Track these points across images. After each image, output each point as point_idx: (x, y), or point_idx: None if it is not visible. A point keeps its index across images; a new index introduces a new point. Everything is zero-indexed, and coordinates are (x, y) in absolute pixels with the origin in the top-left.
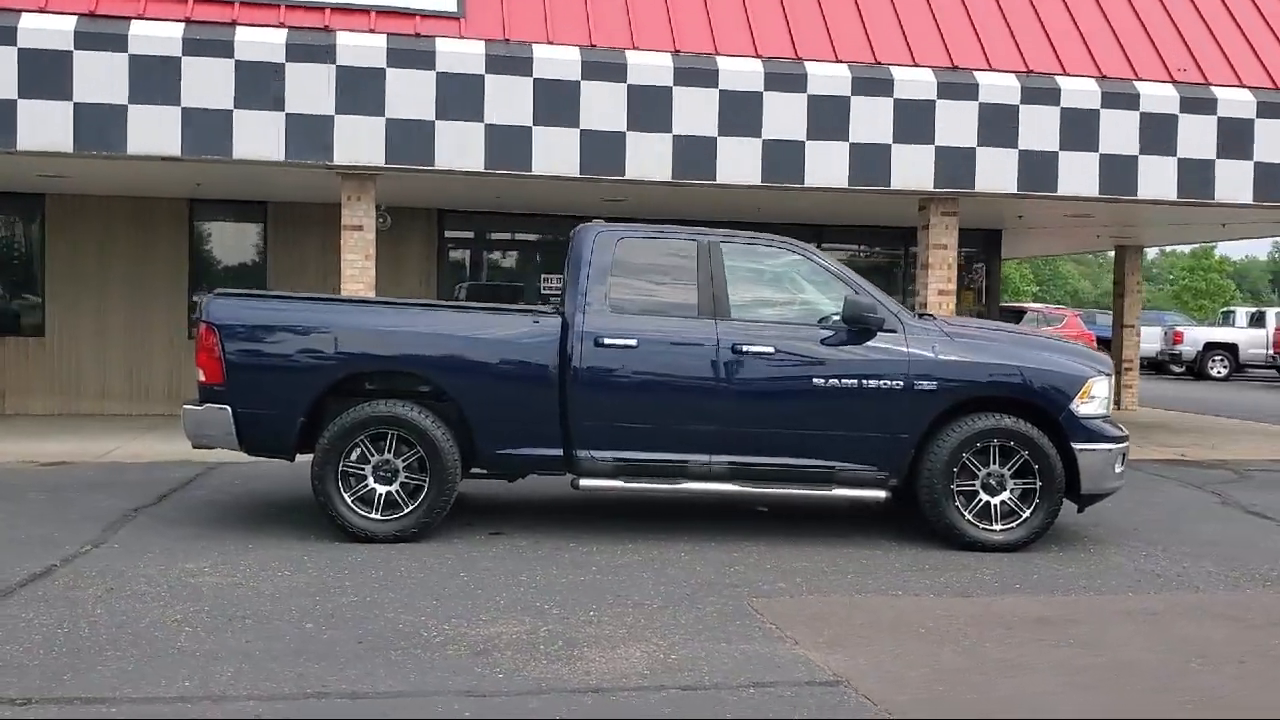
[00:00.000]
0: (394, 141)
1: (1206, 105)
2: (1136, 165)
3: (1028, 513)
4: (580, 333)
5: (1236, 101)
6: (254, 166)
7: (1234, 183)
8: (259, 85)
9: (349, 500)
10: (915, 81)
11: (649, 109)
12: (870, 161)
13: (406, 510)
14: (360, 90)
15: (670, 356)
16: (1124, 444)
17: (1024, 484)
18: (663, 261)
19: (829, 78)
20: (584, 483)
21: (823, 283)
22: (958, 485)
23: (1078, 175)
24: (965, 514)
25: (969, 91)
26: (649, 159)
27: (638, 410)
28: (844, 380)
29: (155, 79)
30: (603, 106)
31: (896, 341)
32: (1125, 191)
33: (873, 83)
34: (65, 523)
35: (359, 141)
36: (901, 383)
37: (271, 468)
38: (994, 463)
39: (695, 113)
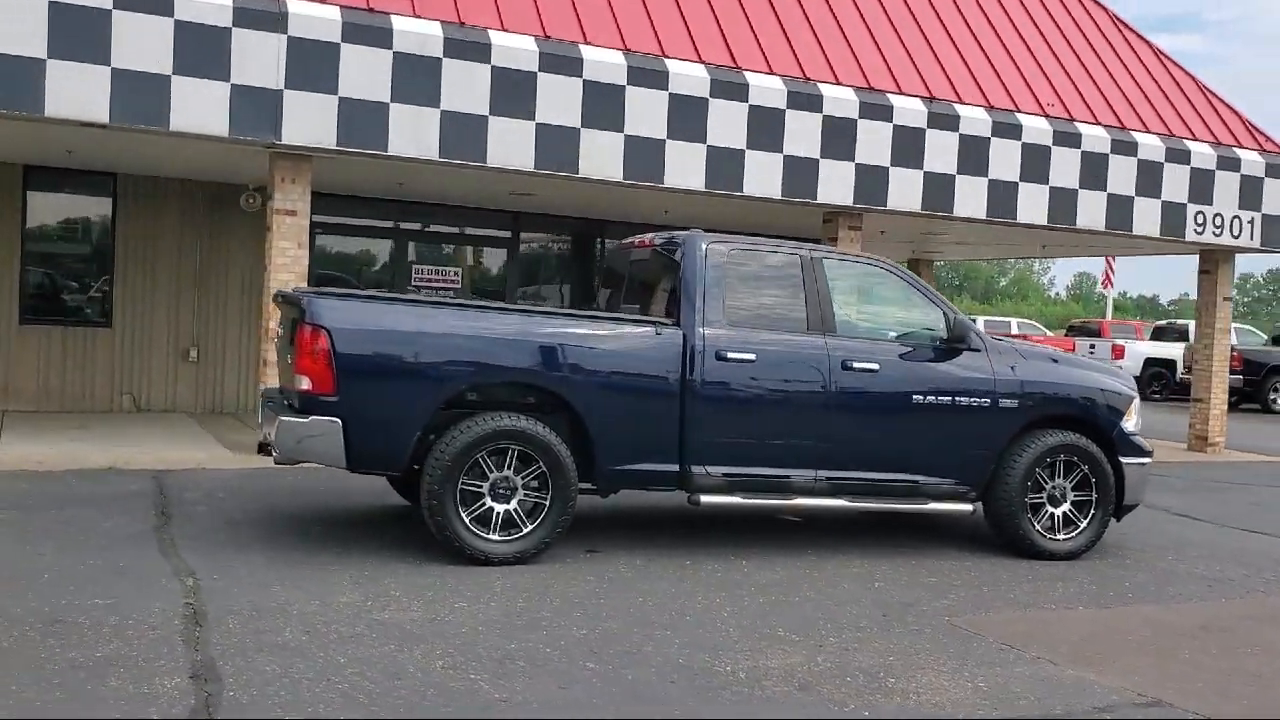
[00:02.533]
0: (346, 123)
1: (1073, 139)
2: (1017, 191)
3: (1084, 523)
4: (701, 346)
5: (1095, 137)
6: (165, 137)
7: (1091, 212)
8: (201, 50)
9: (467, 521)
10: (840, 99)
11: (604, 106)
12: (801, 174)
13: (526, 530)
14: (313, 65)
15: (786, 372)
16: (1152, 457)
17: (1081, 496)
18: (770, 275)
19: (767, 89)
20: (705, 499)
21: (908, 299)
22: (1030, 498)
23: (971, 198)
24: (1036, 525)
25: (885, 113)
26: (603, 158)
27: (753, 425)
28: (940, 397)
29: (80, 33)
30: (560, 101)
31: (981, 360)
32: (1007, 215)
33: (805, 97)
34: (99, 549)
35: (310, 120)
36: (988, 400)
37: (221, 477)
38: (1058, 476)
39: (646, 114)
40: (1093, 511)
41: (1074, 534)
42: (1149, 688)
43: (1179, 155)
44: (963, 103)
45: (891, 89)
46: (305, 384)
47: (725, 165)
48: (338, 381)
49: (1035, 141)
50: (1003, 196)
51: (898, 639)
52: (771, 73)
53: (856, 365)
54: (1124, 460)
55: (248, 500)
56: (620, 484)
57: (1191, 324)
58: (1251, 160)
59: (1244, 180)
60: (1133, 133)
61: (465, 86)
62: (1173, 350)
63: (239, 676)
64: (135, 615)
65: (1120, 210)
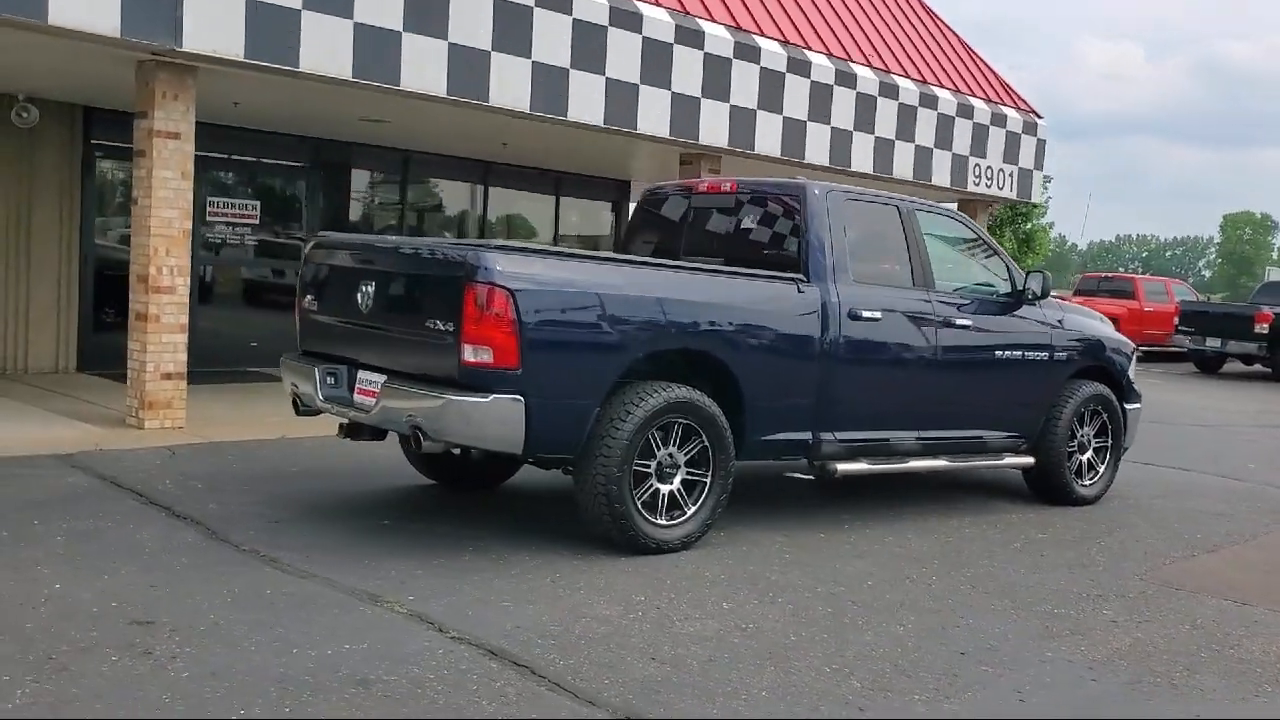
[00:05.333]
0: (256, 30)
1: (892, 90)
2: (851, 140)
3: (1102, 468)
4: (836, 304)
5: (908, 90)
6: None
7: (904, 162)
8: None
9: (639, 506)
10: (718, 38)
11: (514, 29)
12: (687, 114)
13: (690, 512)
14: None
15: (904, 330)
16: (1142, 403)
17: (1099, 442)
18: (877, 226)
19: (658, 21)
20: (841, 467)
21: (979, 253)
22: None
23: (818, 145)
24: (1072, 472)
25: (754, 54)
26: (515, 86)
27: (874, 387)
28: (1014, 352)
29: None
30: (470, 21)
31: (1038, 313)
32: (843, 163)
33: (688, 33)
34: (200, 573)
35: (215, 25)
36: (1046, 354)
37: (148, 460)
38: (1086, 424)
39: (551, 41)
40: (1108, 457)
41: (1096, 480)
42: None
43: (965, 110)
44: (812, 50)
45: (755, 30)
46: (480, 356)
47: (622, 100)
48: (522, 353)
49: (866, 91)
50: (841, 144)
51: (1158, 606)
52: (658, 4)
53: (957, 322)
54: (1127, 406)
55: (243, 488)
56: (761, 455)
57: None
58: (1014, 118)
59: (1008, 136)
60: (932, 87)
61: None
62: None
63: None
64: (430, 664)
65: (924, 161)
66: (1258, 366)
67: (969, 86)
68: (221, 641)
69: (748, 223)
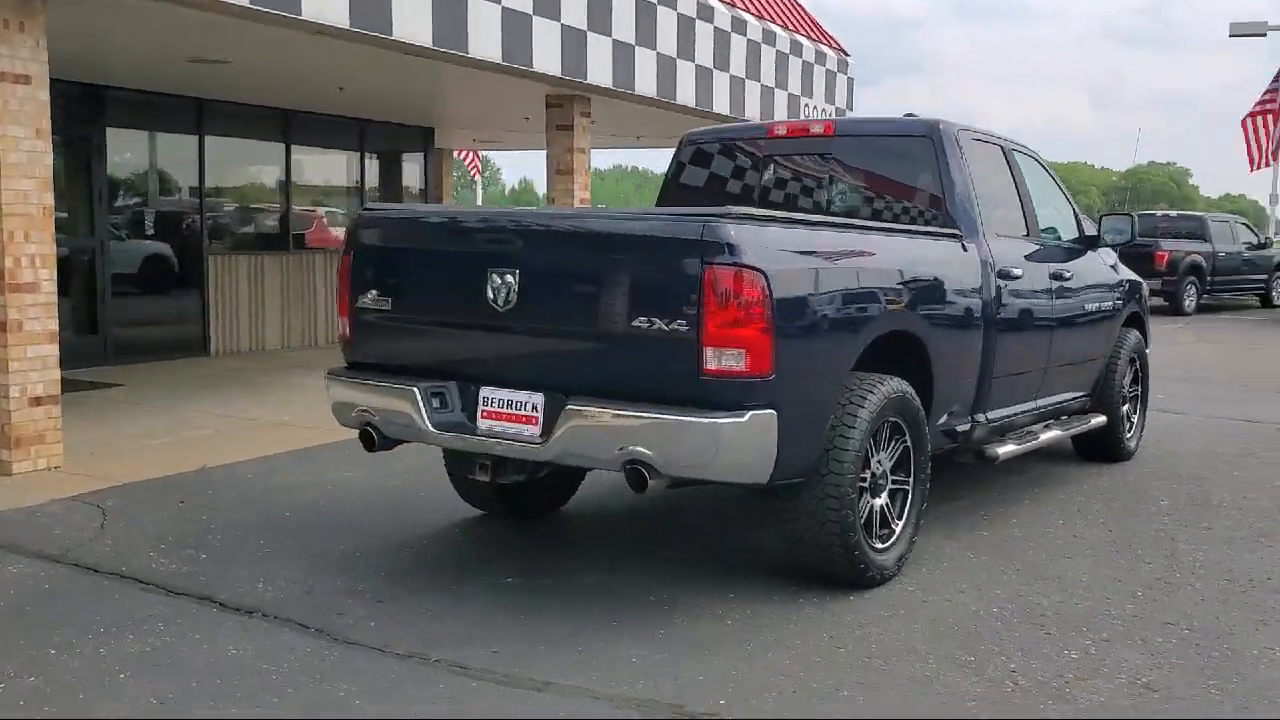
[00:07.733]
0: None
1: (741, 26)
2: (712, 78)
3: (1137, 419)
4: (991, 263)
5: (753, 26)
6: None
7: (752, 103)
8: None
9: (860, 528)
10: None
11: None
12: (574, 49)
13: (898, 529)
14: None
15: (1032, 289)
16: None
17: (1132, 392)
18: (993, 171)
19: None
20: (1000, 451)
21: (1054, 194)
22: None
23: (685, 85)
24: (1121, 427)
25: None
26: (416, 19)
27: (1015, 356)
28: (1094, 302)
29: None
30: None
31: (1104, 259)
32: (705, 105)
33: None
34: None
35: None
36: (1112, 302)
37: (70, 516)
38: (1126, 374)
39: None
40: (1138, 406)
41: (1133, 432)
42: None
43: (796, 48)
44: None
45: None
46: (726, 361)
47: (517, 34)
48: (776, 353)
49: (722, 26)
50: (704, 84)
51: None
52: None
53: (1065, 275)
54: (1146, 351)
55: (262, 552)
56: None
57: None
58: (830, 56)
59: (827, 74)
60: (769, 24)
61: None
62: None
63: None
64: None
65: (767, 101)
66: None
67: (794, 23)
68: None
69: (856, 172)
